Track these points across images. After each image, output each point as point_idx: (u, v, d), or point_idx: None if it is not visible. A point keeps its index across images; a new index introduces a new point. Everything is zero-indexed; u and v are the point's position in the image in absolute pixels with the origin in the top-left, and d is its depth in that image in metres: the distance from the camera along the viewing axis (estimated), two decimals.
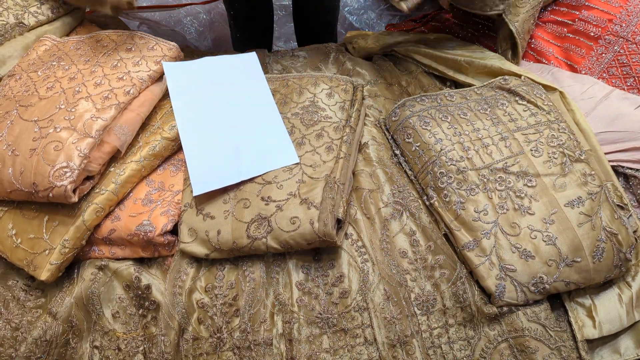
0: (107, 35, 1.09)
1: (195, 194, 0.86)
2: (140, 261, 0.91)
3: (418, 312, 0.82)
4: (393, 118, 1.00)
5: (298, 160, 0.90)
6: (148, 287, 0.87)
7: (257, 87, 1.06)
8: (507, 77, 1.06)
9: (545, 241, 0.81)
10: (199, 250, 0.85)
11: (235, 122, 0.98)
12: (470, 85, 1.11)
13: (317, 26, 1.61)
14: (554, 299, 0.83)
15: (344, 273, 0.84)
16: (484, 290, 0.81)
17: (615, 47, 1.07)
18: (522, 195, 0.85)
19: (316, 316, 0.82)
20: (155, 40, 1.07)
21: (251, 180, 0.89)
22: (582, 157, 0.89)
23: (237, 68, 1.11)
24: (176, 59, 1.06)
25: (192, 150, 0.93)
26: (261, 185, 0.88)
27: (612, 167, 0.94)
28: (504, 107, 0.98)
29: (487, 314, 0.80)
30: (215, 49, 1.84)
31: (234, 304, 0.83)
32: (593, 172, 0.87)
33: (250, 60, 1.13)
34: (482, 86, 1.07)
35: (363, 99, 1.08)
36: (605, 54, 1.09)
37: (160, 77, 1.03)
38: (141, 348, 0.86)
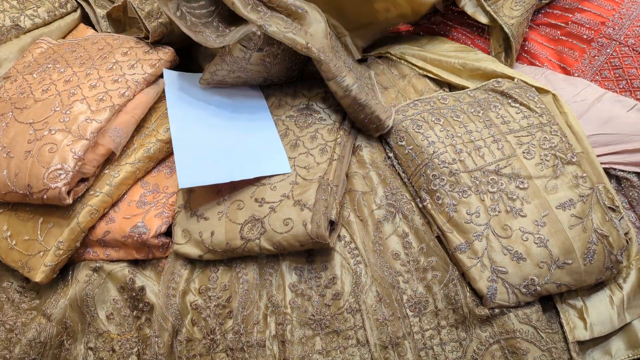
0: (103, 38, 1.10)
1: (180, 186, 0.82)
2: (134, 263, 0.91)
3: (410, 313, 0.82)
4: None
5: (290, 171, 0.89)
6: (142, 288, 0.87)
7: (254, 99, 1.06)
8: (500, 79, 1.07)
9: (537, 243, 0.81)
10: (193, 251, 0.85)
11: (230, 130, 0.97)
12: (464, 87, 1.11)
13: None
14: (545, 301, 0.83)
15: (337, 275, 0.84)
16: (475, 292, 0.82)
17: (608, 50, 1.08)
18: (514, 197, 0.86)
19: (309, 318, 0.82)
20: (151, 44, 1.07)
21: (245, 181, 0.89)
22: (574, 160, 0.89)
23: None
24: (172, 62, 1.06)
25: (182, 144, 0.88)
26: (255, 187, 0.88)
27: (604, 169, 0.94)
28: (497, 110, 0.99)
29: (478, 315, 0.80)
30: None
31: (227, 305, 0.84)
32: (585, 175, 0.88)
33: None
34: (475, 89, 1.07)
35: None
36: (598, 56, 1.09)
37: (155, 80, 1.03)
38: (135, 349, 0.86)
